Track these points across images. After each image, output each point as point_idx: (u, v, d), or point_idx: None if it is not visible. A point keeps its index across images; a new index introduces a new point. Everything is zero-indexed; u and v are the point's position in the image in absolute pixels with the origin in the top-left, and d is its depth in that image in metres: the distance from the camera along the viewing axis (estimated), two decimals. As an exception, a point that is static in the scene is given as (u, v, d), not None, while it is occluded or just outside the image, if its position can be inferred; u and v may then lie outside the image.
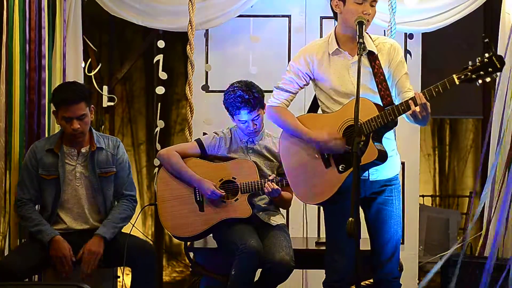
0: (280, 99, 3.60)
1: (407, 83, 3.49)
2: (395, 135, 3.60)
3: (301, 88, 3.61)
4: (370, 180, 3.48)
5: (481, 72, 3.16)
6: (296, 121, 3.56)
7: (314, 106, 3.69)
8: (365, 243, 3.66)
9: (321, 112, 3.60)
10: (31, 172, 4.01)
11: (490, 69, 3.15)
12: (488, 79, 3.16)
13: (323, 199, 3.50)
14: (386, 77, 3.44)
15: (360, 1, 3.39)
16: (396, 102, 3.41)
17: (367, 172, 3.44)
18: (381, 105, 3.39)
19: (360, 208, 3.41)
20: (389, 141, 3.47)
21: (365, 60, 3.42)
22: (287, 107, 3.61)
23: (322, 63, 3.52)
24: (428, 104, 3.26)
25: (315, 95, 3.65)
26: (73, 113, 3.90)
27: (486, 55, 3.16)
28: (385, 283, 3.54)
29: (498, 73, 3.21)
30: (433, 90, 3.23)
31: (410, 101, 3.27)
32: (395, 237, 3.53)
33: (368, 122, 3.32)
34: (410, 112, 3.28)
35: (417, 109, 3.25)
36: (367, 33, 3.49)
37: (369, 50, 3.44)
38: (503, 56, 4.65)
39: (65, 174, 3.99)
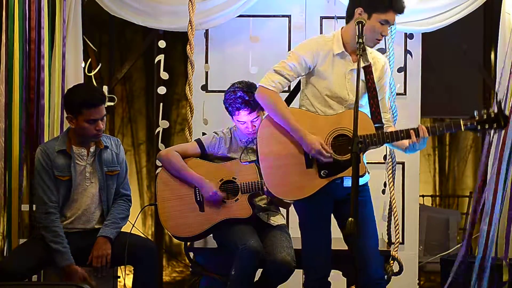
0: (275, 83, 3.52)
1: (388, 104, 3.64)
2: None
3: (297, 78, 3.57)
4: (344, 186, 3.51)
5: (486, 125, 3.34)
6: (290, 114, 3.50)
7: (293, 95, 3.70)
8: (340, 242, 3.68)
9: (300, 107, 3.60)
10: (50, 173, 3.94)
11: (494, 125, 3.33)
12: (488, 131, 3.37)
13: (297, 198, 3.51)
14: None
15: (384, 22, 3.44)
16: None
17: (341, 178, 3.48)
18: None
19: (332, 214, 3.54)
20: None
21: (361, 72, 3.40)
22: (279, 92, 3.55)
23: (325, 61, 3.52)
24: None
25: (295, 87, 3.66)
26: (99, 115, 3.91)
27: (495, 111, 3.32)
28: (371, 285, 3.50)
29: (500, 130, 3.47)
30: (437, 128, 3.35)
31: (411, 131, 3.36)
32: (374, 237, 3.56)
33: (363, 138, 3.35)
34: (410, 141, 3.37)
35: (417, 141, 3.36)
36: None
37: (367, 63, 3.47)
38: (504, 56, 4.70)
39: (76, 174, 3.99)
